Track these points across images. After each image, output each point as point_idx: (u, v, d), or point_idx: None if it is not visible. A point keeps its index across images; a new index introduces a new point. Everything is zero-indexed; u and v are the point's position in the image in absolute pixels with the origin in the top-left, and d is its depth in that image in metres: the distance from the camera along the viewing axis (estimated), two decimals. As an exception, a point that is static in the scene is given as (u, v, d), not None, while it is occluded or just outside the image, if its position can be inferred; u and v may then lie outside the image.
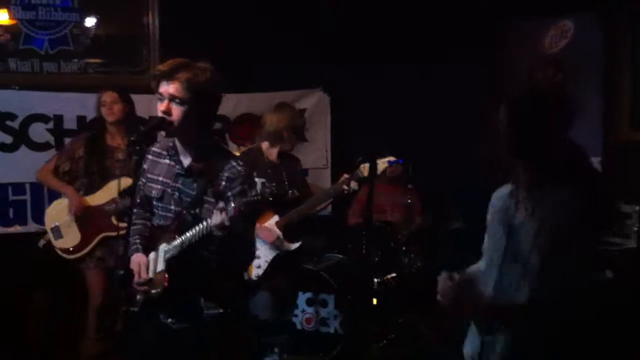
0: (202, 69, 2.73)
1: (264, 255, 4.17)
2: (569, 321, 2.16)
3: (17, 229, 5.10)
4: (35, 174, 4.55)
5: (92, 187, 4.36)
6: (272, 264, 4.13)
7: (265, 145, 4.34)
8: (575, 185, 2.21)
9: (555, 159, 2.26)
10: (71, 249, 4.33)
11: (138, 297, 2.87)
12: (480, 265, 2.51)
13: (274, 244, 4.15)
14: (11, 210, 5.11)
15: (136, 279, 2.86)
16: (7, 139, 5.09)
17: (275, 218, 4.18)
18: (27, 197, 5.10)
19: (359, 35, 5.80)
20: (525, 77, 5.51)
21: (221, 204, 2.59)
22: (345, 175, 4.06)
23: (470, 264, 2.58)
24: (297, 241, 4.23)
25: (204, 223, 2.66)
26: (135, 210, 2.99)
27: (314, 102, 6.02)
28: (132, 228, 2.92)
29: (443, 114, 5.59)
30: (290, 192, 4.11)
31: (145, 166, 2.93)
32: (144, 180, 2.94)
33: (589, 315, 2.16)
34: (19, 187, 5.08)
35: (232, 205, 2.57)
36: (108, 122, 4.38)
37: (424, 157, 5.33)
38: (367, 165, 3.88)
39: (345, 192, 4.05)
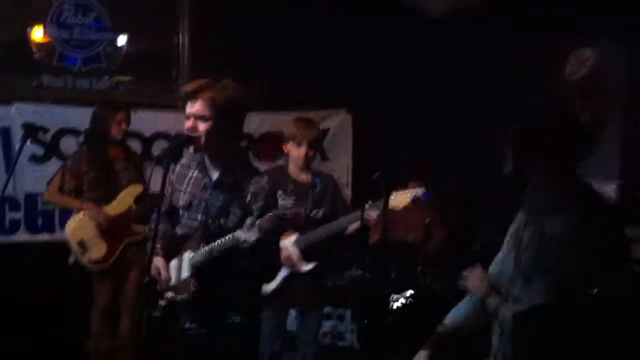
0: (224, 87, 2.88)
1: (280, 272, 4.11)
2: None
3: (44, 236, 5.26)
4: (41, 198, 4.75)
5: (102, 199, 4.51)
6: (287, 282, 4.08)
7: (290, 162, 4.26)
8: (584, 214, 2.25)
9: (566, 187, 2.32)
10: (100, 259, 4.48)
11: (160, 302, 2.98)
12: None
13: (286, 262, 4.06)
14: (40, 219, 5.28)
15: (161, 284, 2.97)
16: (39, 151, 5.25)
17: (294, 237, 4.08)
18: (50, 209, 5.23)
19: (382, 54, 5.90)
20: (548, 103, 5.51)
21: (249, 220, 2.71)
22: (367, 206, 3.86)
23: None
24: (314, 261, 4.08)
25: (233, 235, 2.78)
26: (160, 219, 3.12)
27: (337, 122, 6.14)
28: (157, 234, 3.04)
29: (466, 136, 5.65)
30: (313, 212, 4.07)
31: (172, 178, 3.06)
32: (170, 190, 3.07)
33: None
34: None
35: (264, 217, 2.70)
36: (114, 138, 4.53)
37: (444, 176, 5.38)
38: (393, 195, 3.75)
39: (367, 222, 3.88)
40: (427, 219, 5.32)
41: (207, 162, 2.98)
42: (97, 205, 4.49)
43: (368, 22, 5.95)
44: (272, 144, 5.96)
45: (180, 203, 3.04)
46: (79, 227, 4.52)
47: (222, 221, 2.91)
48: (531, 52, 5.32)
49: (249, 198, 2.89)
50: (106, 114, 4.55)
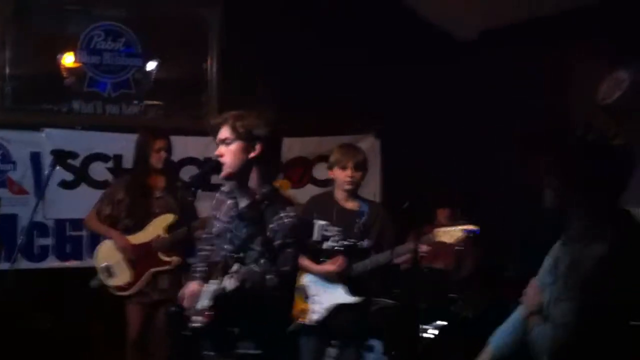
0: (249, 114, 2.89)
1: (324, 302, 4.04)
2: None
3: (73, 263, 5.26)
4: (84, 222, 4.76)
5: (136, 227, 4.53)
6: (331, 313, 4.00)
7: (336, 189, 4.16)
8: (621, 241, 2.20)
9: (599, 214, 2.26)
10: (124, 285, 4.49)
11: (190, 324, 2.95)
12: None
13: (336, 276, 3.98)
14: (69, 245, 5.28)
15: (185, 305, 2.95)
16: (69, 177, 5.28)
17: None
18: (85, 232, 5.25)
19: (409, 78, 5.88)
20: (582, 126, 5.43)
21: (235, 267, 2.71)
22: (426, 235, 3.81)
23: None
24: (358, 294, 3.98)
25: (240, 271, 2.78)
26: (204, 240, 3.17)
27: (366, 147, 6.06)
28: (198, 255, 3.13)
29: (498, 161, 5.58)
30: (354, 242, 3.97)
31: (213, 202, 3.07)
32: (211, 216, 3.09)
33: None
34: (77, 223, 5.24)
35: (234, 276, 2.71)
36: (154, 166, 4.53)
37: (476, 202, 5.31)
38: (442, 230, 3.79)
39: (419, 256, 3.82)
40: (457, 247, 5.23)
41: (237, 190, 2.95)
42: (121, 233, 4.51)
43: (399, 46, 5.93)
44: (300, 169, 5.98)
45: (214, 231, 3.01)
46: (105, 252, 4.57)
47: (241, 255, 2.87)
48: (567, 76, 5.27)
49: (269, 235, 2.84)
50: (146, 141, 4.56)
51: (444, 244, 3.80)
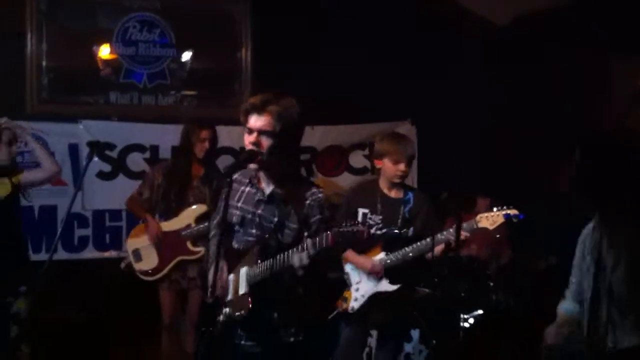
0: (289, 102, 2.83)
1: (364, 290, 4.01)
2: None
3: (111, 253, 5.32)
4: (126, 202, 4.79)
5: (170, 213, 4.57)
6: (372, 301, 3.97)
7: (382, 178, 4.10)
8: None
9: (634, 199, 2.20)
10: (150, 271, 4.54)
11: (219, 318, 2.93)
12: (570, 305, 2.46)
13: (371, 274, 3.97)
14: (107, 236, 5.35)
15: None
16: (107, 168, 5.34)
17: (381, 255, 3.98)
18: (123, 223, 5.32)
19: (446, 65, 5.80)
20: (619, 117, 5.32)
21: (305, 242, 2.65)
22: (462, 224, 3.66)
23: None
24: (399, 282, 3.94)
25: (286, 254, 2.74)
26: (213, 233, 3.13)
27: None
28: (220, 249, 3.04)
29: (533, 148, 5.48)
30: (397, 230, 3.95)
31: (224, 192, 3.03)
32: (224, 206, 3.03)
33: None
34: (115, 214, 5.31)
35: (328, 233, 2.63)
36: (196, 156, 4.55)
37: (513, 189, 5.22)
38: (484, 215, 3.73)
39: (455, 243, 3.66)
40: (498, 235, 5.16)
41: (262, 176, 2.93)
42: (154, 218, 4.56)
43: (433, 34, 5.85)
44: (335, 157, 5.95)
45: (234, 219, 2.99)
46: (137, 236, 4.62)
47: (278, 236, 2.86)
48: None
49: (305, 211, 2.84)
50: (192, 131, 4.58)
51: (485, 230, 3.73)
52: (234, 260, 2.99)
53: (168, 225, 4.56)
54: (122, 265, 4.66)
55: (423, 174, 5.98)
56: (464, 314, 4.56)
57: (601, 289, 2.26)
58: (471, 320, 4.61)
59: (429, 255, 3.83)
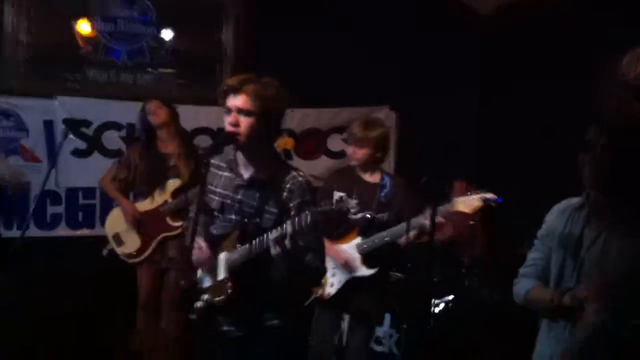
0: (267, 83, 2.79)
1: (340, 275, 4.00)
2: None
3: (84, 232, 5.27)
4: (99, 182, 4.76)
5: (148, 193, 4.55)
6: (347, 286, 3.97)
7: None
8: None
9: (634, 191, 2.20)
10: (134, 252, 4.53)
11: (198, 304, 2.92)
12: (532, 283, 2.46)
13: (345, 266, 3.96)
14: (80, 214, 5.30)
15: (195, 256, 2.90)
16: (82, 145, 5.27)
17: (357, 240, 3.96)
18: (97, 201, 5.27)
19: (430, 51, 5.79)
20: (601, 106, 5.34)
21: (284, 224, 2.63)
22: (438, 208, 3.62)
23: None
24: (375, 267, 3.92)
25: (265, 237, 2.71)
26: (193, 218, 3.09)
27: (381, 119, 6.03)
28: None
29: (513, 135, 5.51)
30: (378, 215, 3.94)
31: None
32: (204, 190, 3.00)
33: None
34: (89, 192, 5.26)
35: (306, 213, 2.60)
36: (157, 127, 4.53)
37: (492, 176, 5.24)
38: (460, 199, 3.64)
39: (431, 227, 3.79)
40: (472, 222, 5.19)
41: (240, 160, 2.89)
42: (128, 200, 4.58)
43: (417, 17, 5.83)
44: (314, 140, 5.94)
45: (213, 205, 2.96)
46: (115, 220, 4.61)
47: (257, 220, 2.82)
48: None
49: (285, 195, 2.80)
50: (143, 108, 4.58)
51: (462, 213, 3.68)
52: (214, 247, 2.95)
53: (145, 205, 4.55)
54: (104, 252, 4.64)
55: (402, 159, 5.99)
56: (435, 299, 4.59)
57: (575, 265, 2.27)
58: (442, 306, 4.64)
59: (403, 240, 3.82)
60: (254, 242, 2.76)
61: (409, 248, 4.00)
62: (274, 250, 2.66)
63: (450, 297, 4.71)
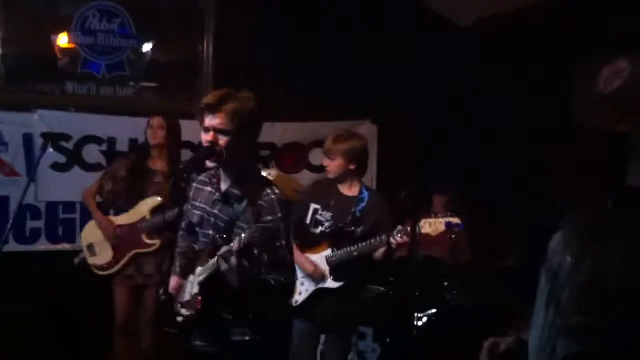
0: (245, 99, 2.78)
1: (308, 284, 4.01)
2: None
3: (64, 246, 5.21)
4: (82, 195, 4.71)
5: (129, 207, 4.53)
6: (316, 296, 3.98)
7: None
8: (628, 237, 2.13)
9: (606, 204, 2.20)
10: (105, 265, 4.50)
11: (178, 319, 2.90)
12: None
13: (312, 277, 3.98)
14: (60, 228, 5.24)
15: (175, 303, 2.92)
16: (61, 159, 5.22)
17: (327, 252, 3.97)
18: (77, 216, 5.21)
19: (408, 63, 5.83)
20: (584, 117, 5.41)
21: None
22: (401, 228, 3.72)
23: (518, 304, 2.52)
24: (342, 281, 3.94)
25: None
26: (181, 234, 3.12)
27: (363, 133, 6.03)
28: (177, 251, 3.00)
29: (496, 145, 5.55)
30: (352, 228, 3.92)
31: (190, 193, 2.99)
32: (189, 206, 3.00)
33: None
34: (69, 206, 5.21)
35: (248, 230, 2.62)
36: (151, 145, 4.51)
37: (474, 189, 5.28)
38: (426, 221, 3.69)
39: (394, 245, 3.73)
40: (454, 236, 5.21)
41: (222, 175, 2.90)
42: (104, 217, 4.55)
43: (394, 34, 5.87)
44: (295, 154, 5.94)
45: (195, 220, 2.96)
46: (91, 230, 4.58)
47: (226, 236, 2.82)
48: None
49: (257, 212, 2.78)
50: (149, 121, 4.56)
51: (427, 235, 3.74)
52: (195, 262, 2.96)
53: (123, 219, 4.52)
54: (76, 260, 4.60)
55: (383, 173, 6.01)
56: (418, 312, 4.60)
57: (551, 310, 2.23)
58: (425, 319, 4.65)
59: (378, 254, 3.84)
60: (213, 259, 2.77)
61: (386, 262, 4.02)
62: (223, 267, 2.65)
63: (434, 310, 4.72)
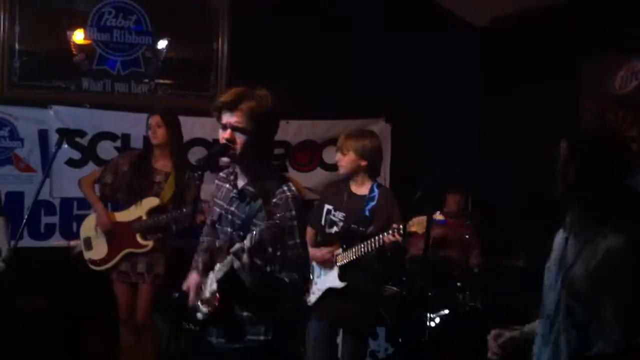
0: (262, 97, 2.75)
1: (321, 284, 4.02)
2: None
3: (78, 242, 5.23)
4: (78, 180, 4.71)
5: (129, 204, 4.52)
6: (327, 295, 3.97)
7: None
8: (629, 234, 2.11)
9: (612, 205, 2.18)
10: (98, 261, 4.52)
11: (198, 315, 2.90)
12: (536, 324, 2.40)
13: (324, 265, 4.00)
14: (75, 224, 5.25)
15: (190, 298, 2.91)
16: (76, 155, 5.26)
17: (338, 251, 3.97)
18: (91, 212, 5.23)
19: (423, 63, 5.81)
20: (594, 117, 5.37)
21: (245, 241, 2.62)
22: (394, 226, 3.71)
23: (529, 305, 2.51)
24: (346, 280, 3.93)
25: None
26: (205, 230, 3.11)
27: (376, 131, 6.02)
28: (199, 247, 3.05)
29: (507, 147, 5.52)
30: (361, 227, 3.90)
31: (214, 190, 3.00)
32: (212, 203, 3.01)
33: None
34: (84, 202, 5.21)
35: (258, 228, 2.59)
36: (154, 145, 4.51)
37: (486, 191, 5.26)
38: (415, 220, 3.66)
39: (387, 245, 3.72)
40: (467, 236, 5.20)
41: (239, 172, 2.90)
42: (105, 208, 4.55)
43: (409, 33, 5.86)
44: (309, 152, 5.94)
45: (214, 216, 2.97)
46: (89, 224, 4.59)
47: (242, 233, 2.78)
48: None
49: (272, 209, 2.75)
50: (147, 118, 4.55)
51: (415, 233, 3.71)
52: (215, 259, 2.93)
53: (121, 216, 4.53)
54: (74, 252, 4.62)
55: (396, 171, 5.99)
56: (430, 313, 4.59)
57: (561, 305, 2.22)
58: (437, 320, 4.63)
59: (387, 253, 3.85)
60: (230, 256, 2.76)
61: (395, 263, 4.00)
62: (235, 264, 2.65)
63: (446, 311, 4.70)
